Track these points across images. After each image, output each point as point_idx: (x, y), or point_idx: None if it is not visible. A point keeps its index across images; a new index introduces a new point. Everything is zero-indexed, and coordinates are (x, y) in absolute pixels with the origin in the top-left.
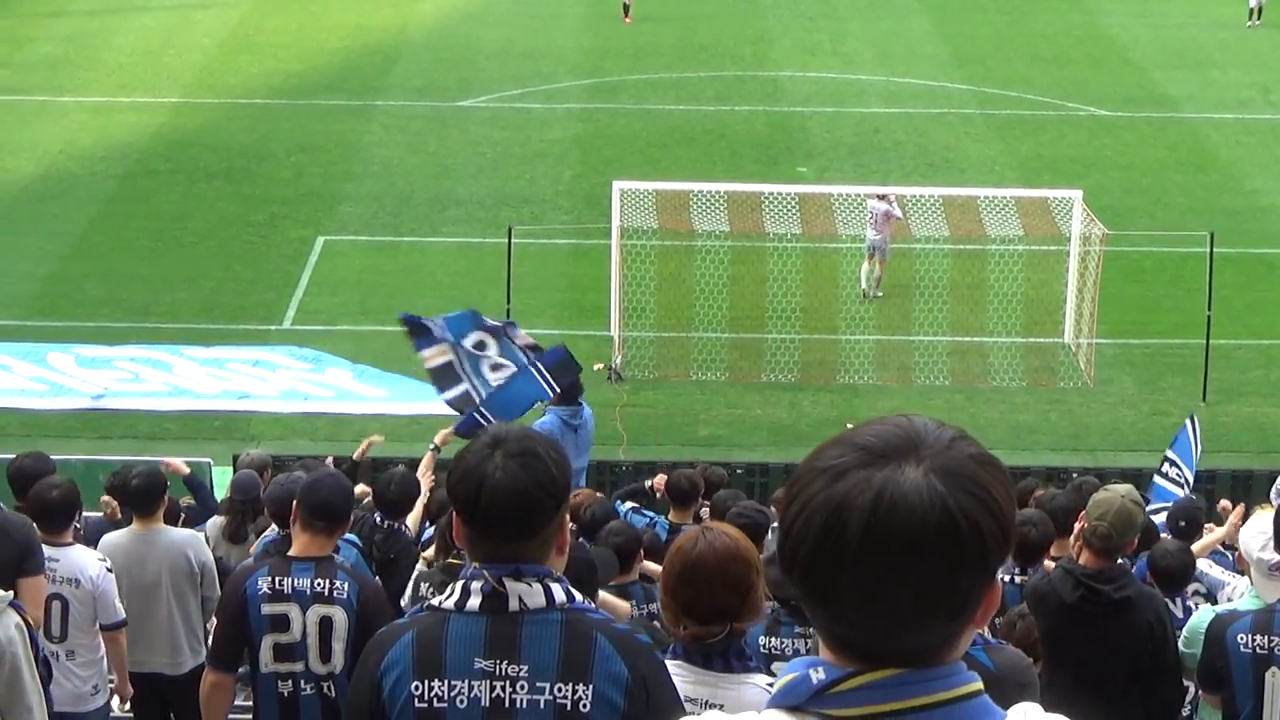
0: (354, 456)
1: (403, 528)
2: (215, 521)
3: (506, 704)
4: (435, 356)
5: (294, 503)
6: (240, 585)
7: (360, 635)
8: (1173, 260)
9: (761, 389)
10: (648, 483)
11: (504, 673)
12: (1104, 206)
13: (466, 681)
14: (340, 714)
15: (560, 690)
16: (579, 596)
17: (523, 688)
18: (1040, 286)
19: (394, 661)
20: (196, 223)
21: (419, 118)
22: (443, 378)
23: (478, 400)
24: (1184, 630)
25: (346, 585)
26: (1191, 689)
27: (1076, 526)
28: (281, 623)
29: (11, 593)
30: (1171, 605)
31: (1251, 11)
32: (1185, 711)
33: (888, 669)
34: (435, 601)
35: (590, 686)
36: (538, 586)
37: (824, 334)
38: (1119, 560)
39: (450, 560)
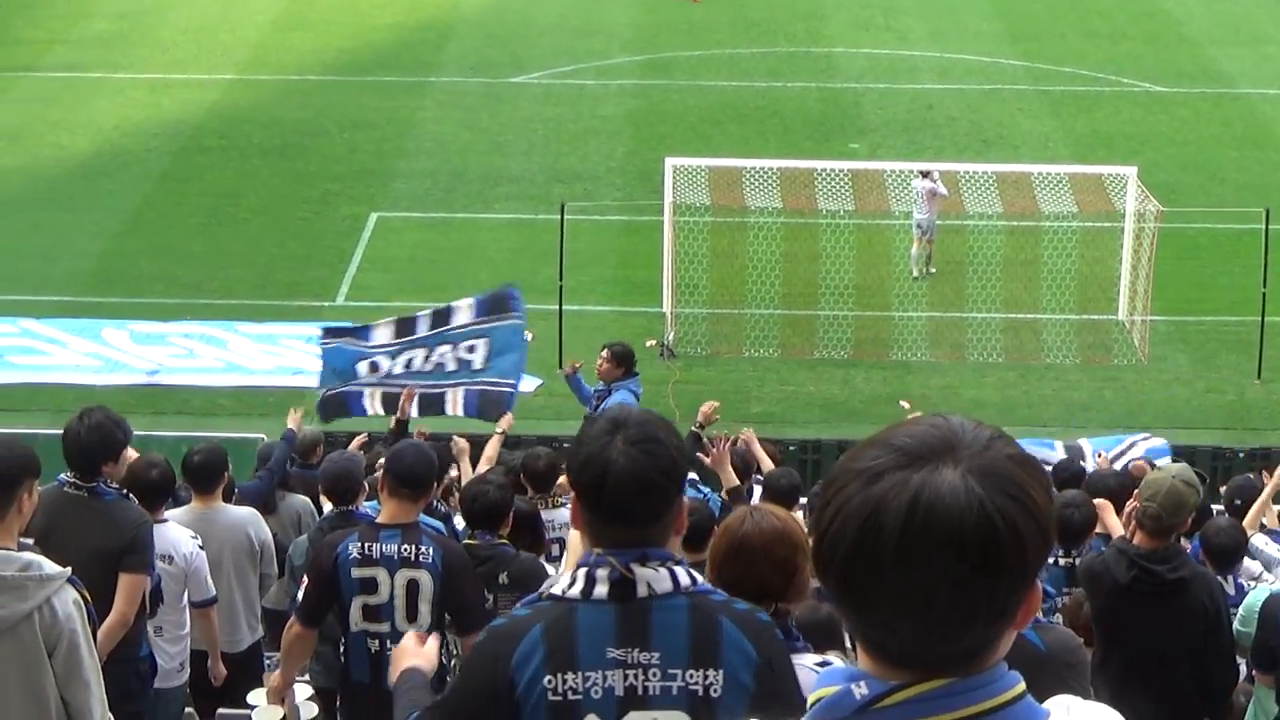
0: (397, 416)
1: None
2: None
3: (640, 692)
4: (373, 400)
5: (381, 472)
6: (332, 550)
7: (445, 596)
8: (1228, 237)
9: (814, 366)
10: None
11: (636, 661)
12: (1159, 183)
13: (600, 672)
14: None
15: (692, 676)
16: (700, 578)
17: (655, 675)
18: (1094, 263)
19: (526, 655)
20: (250, 199)
21: (472, 94)
22: (391, 405)
23: (442, 391)
24: (1239, 609)
25: (431, 550)
26: (1244, 668)
27: (1129, 506)
28: (370, 585)
29: (69, 569)
30: (1224, 583)
31: None
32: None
33: (932, 680)
34: (557, 590)
35: (720, 671)
36: (664, 571)
37: (877, 310)
38: (1173, 540)
39: (467, 541)
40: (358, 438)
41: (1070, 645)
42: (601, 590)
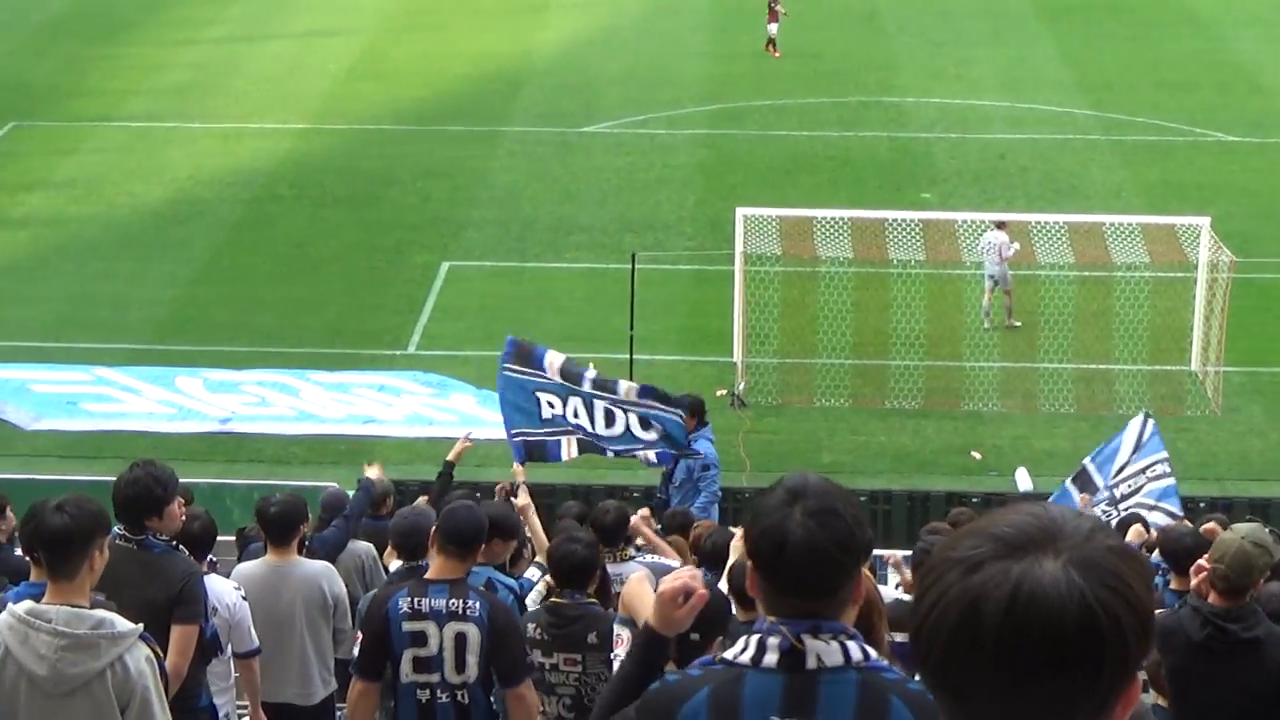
0: (449, 458)
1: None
2: None
3: None
4: (569, 448)
5: (432, 529)
6: (383, 605)
7: (492, 648)
8: None
9: (885, 415)
10: None
11: None
12: (1232, 233)
13: None
14: (470, 717)
15: None
16: (873, 654)
17: None
18: (1166, 314)
19: (691, 717)
20: (322, 248)
21: (543, 144)
22: (591, 450)
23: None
24: None
25: (478, 604)
26: None
27: (1203, 562)
28: (420, 639)
29: (142, 625)
30: None
31: None
32: None
33: None
34: (729, 655)
35: None
36: (835, 644)
37: (948, 360)
38: (1248, 600)
39: (554, 600)
40: (422, 498)
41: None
42: (771, 659)
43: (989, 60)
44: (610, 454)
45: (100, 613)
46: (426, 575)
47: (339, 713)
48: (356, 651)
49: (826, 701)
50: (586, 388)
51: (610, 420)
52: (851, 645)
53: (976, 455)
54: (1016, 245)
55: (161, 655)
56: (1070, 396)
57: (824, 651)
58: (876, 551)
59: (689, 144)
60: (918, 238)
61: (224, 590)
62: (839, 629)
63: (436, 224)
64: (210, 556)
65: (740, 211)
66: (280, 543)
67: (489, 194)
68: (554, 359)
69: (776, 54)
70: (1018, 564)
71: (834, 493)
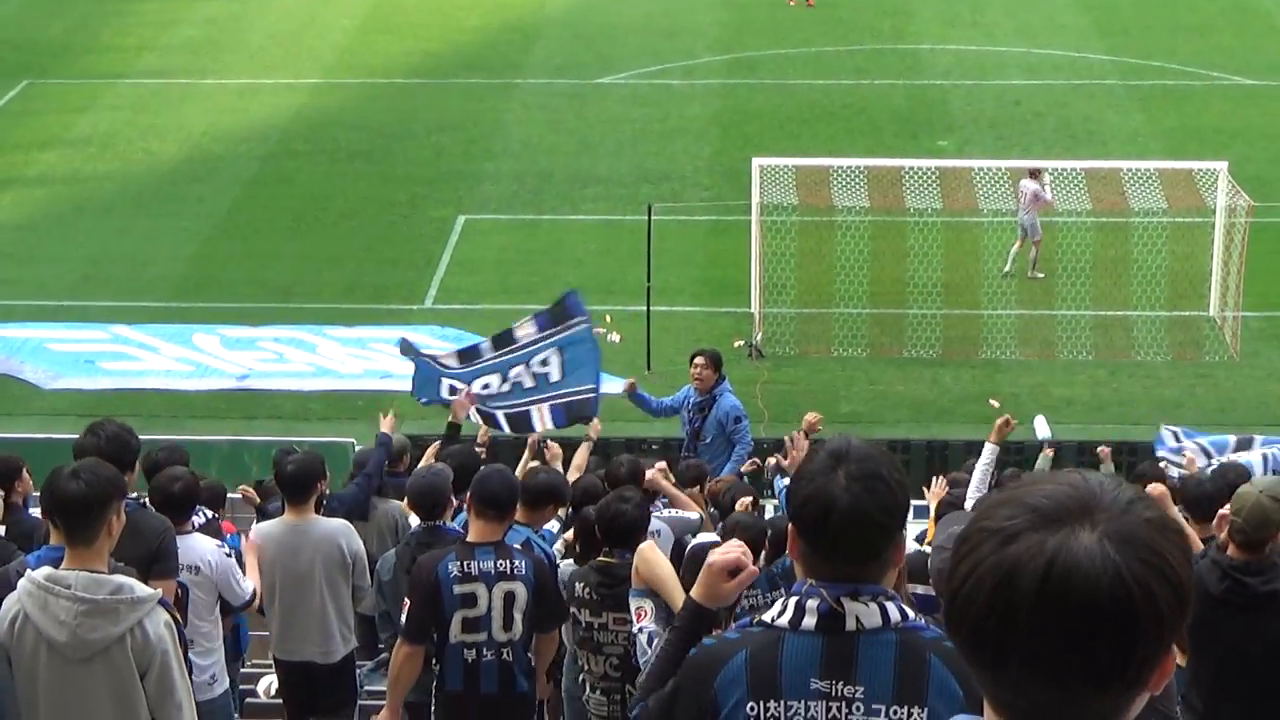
0: (450, 420)
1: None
2: None
3: None
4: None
5: (468, 494)
6: (432, 569)
7: (537, 604)
8: None
9: (903, 365)
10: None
11: (840, 693)
12: (1250, 177)
13: (803, 702)
14: (513, 674)
15: (896, 712)
16: (912, 614)
17: (859, 709)
18: (1184, 259)
19: (731, 680)
20: (338, 203)
21: (558, 95)
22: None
23: (526, 408)
24: None
25: (523, 563)
26: None
27: (1222, 514)
28: (470, 600)
29: (160, 590)
30: None
31: None
32: None
33: None
34: (768, 618)
35: (926, 709)
36: (874, 606)
37: (966, 309)
38: (1268, 553)
39: (603, 559)
40: (431, 447)
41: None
42: (810, 621)
43: (1003, 6)
44: (505, 429)
45: (119, 578)
46: (469, 539)
47: (359, 669)
48: (404, 616)
49: (866, 663)
50: (487, 356)
51: (503, 381)
52: (890, 606)
53: (994, 403)
54: (1049, 196)
55: (180, 621)
56: (1088, 343)
57: (863, 613)
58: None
59: (705, 94)
60: (934, 186)
61: (206, 548)
62: (878, 590)
63: (452, 178)
64: (196, 517)
65: (756, 161)
66: (298, 501)
67: (504, 147)
68: (449, 354)
69: (810, 2)
70: (1053, 536)
71: (877, 456)
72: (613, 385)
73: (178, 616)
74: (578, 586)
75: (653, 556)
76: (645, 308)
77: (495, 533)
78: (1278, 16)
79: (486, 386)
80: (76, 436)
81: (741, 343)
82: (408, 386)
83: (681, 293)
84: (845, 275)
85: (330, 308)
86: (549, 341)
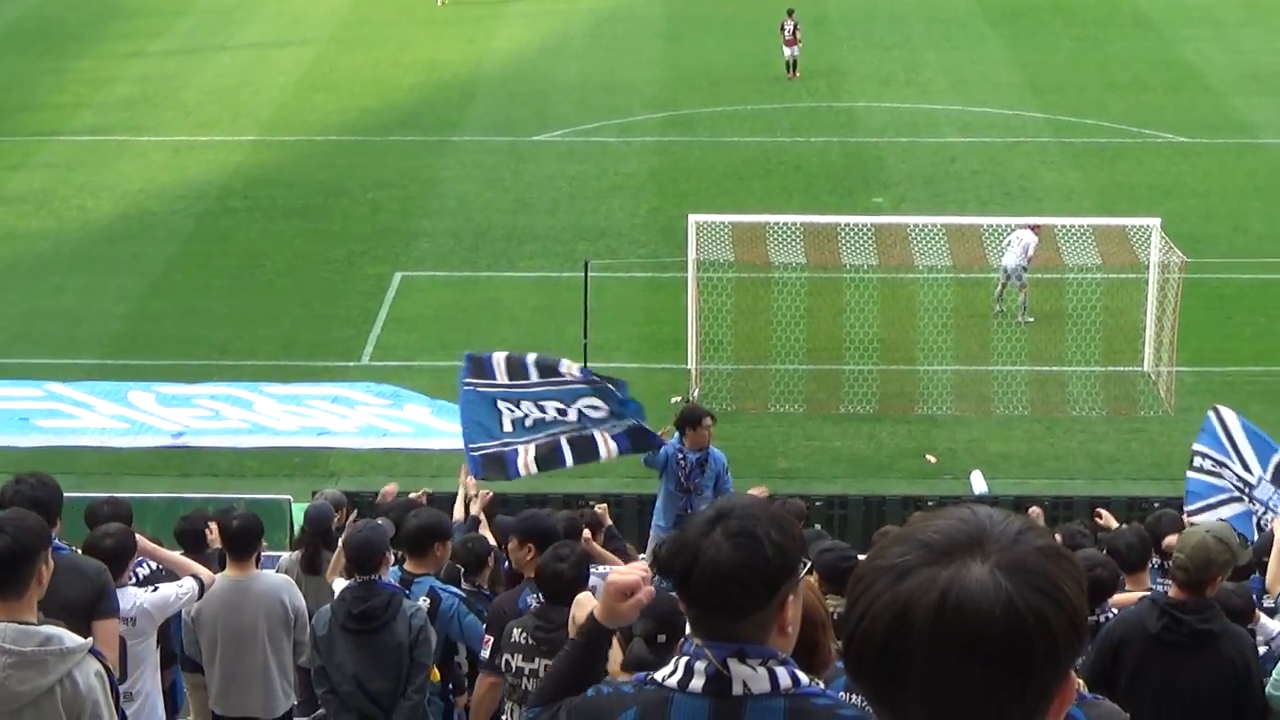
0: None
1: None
2: (290, 556)
3: None
4: (527, 461)
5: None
6: (514, 604)
7: None
8: (1253, 287)
9: (840, 420)
10: None
11: None
12: (1182, 234)
13: None
14: None
15: None
16: (805, 679)
17: None
18: (1119, 315)
19: None
20: (275, 260)
21: (495, 153)
22: (550, 461)
23: (591, 434)
24: (1275, 671)
25: None
26: None
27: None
28: None
29: (92, 639)
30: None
31: None
32: None
33: None
34: (659, 676)
35: None
36: (762, 670)
37: (902, 364)
38: (1206, 596)
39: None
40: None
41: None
42: (698, 683)
43: (938, 64)
44: (569, 460)
45: (48, 629)
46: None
47: None
48: (486, 652)
49: None
50: (534, 377)
51: (563, 411)
52: (780, 671)
53: (931, 459)
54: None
55: (112, 670)
56: (1024, 399)
57: (750, 678)
58: None
59: (641, 151)
60: (870, 242)
61: (137, 598)
62: (767, 654)
63: (388, 234)
64: (140, 568)
65: (693, 218)
66: (241, 557)
67: (441, 204)
68: (500, 360)
69: (797, 75)
70: (945, 570)
71: (760, 516)
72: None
73: (109, 666)
74: (515, 632)
75: (587, 603)
76: (583, 364)
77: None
78: (1209, 75)
79: (542, 415)
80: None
81: (679, 399)
82: (344, 444)
83: (619, 349)
84: (782, 331)
85: (267, 365)
86: (588, 388)
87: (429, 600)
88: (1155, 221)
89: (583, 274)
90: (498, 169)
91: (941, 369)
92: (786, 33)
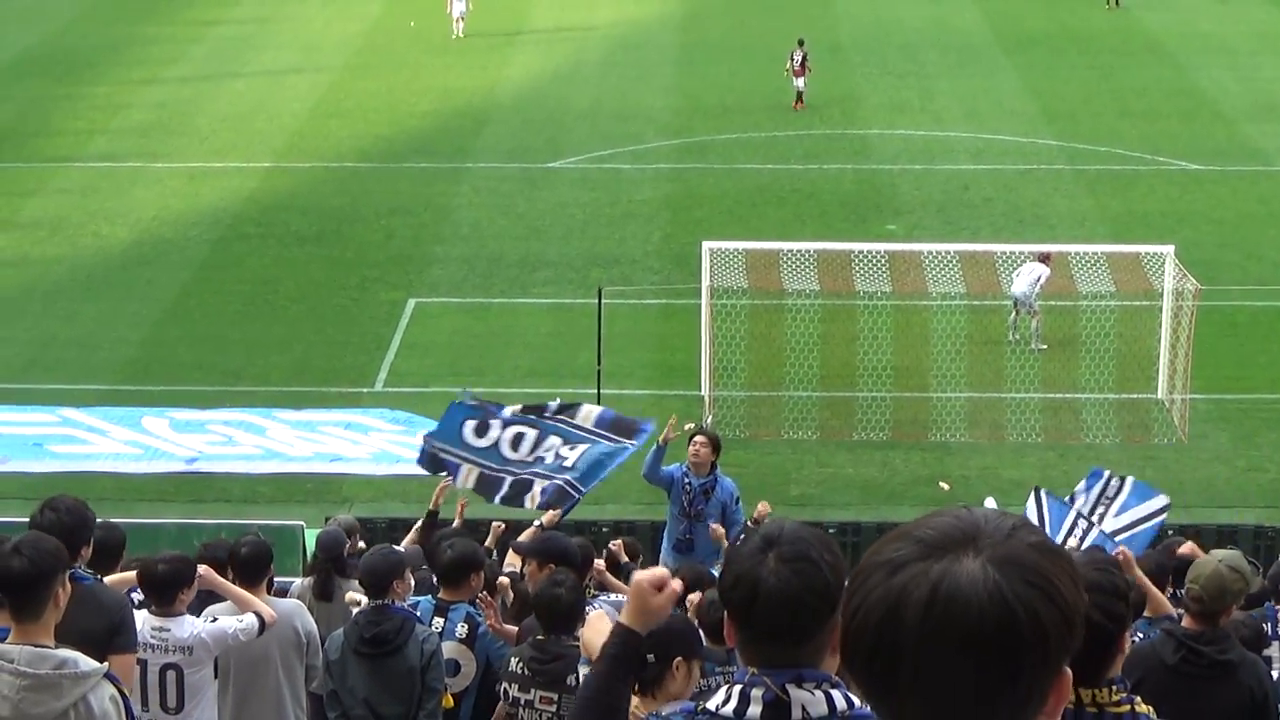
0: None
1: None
2: (303, 581)
3: None
4: (467, 478)
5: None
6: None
7: None
8: (1267, 314)
9: (853, 447)
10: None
11: None
12: (1196, 261)
13: None
14: None
15: None
16: (858, 702)
17: None
18: (1133, 342)
19: None
20: (288, 286)
21: (508, 179)
22: (486, 488)
23: (531, 479)
24: None
25: None
26: None
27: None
28: None
29: (107, 664)
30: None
31: None
32: None
33: None
34: (712, 705)
35: None
36: (820, 694)
37: (915, 392)
38: (1221, 625)
39: (539, 637)
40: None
41: None
42: (755, 710)
43: (952, 92)
44: (498, 498)
45: (64, 652)
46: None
47: None
48: None
49: None
50: (550, 410)
51: (538, 444)
52: (836, 694)
53: (945, 486)
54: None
55: (127, 694)
56: (1038, 426)
57: (809, 702)
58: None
59: (654, 178)
60: (884, 269)
61: (195, 624)
62: (822, 677)
63: (402, 261)
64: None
65: (706, 245)
66: (252, 583)
67: (454, 230)
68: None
69: (802, 106)
70: (938, 564)
71: (809, 539)
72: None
73: (125, 690)
74: (512, 661)
75: (598, 624)
76: (596, 391)
77: None
78: (1222, 103)
79: (518, 441)
80: (25, 519)
81: (691, 426)
82: (357, 470)
83: (632, 376)
84: (795, 358)
85: (280, 391)
86: (592, 436)
87: (466, 626)
88: (1169, 249)
89: (596, 300)
90: (511, 196)
91: (955, 396)
92: (795, 63)
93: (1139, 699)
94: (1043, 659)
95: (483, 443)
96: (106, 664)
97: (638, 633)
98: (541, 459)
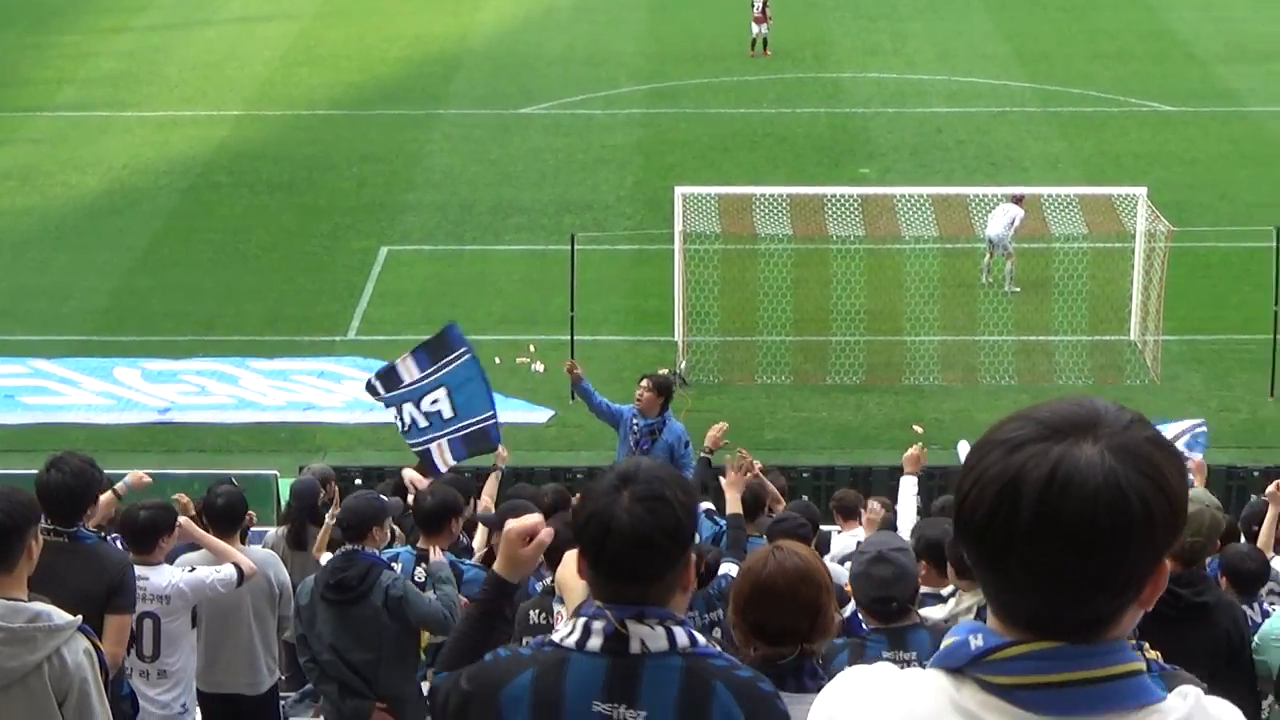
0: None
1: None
2: (277, 530)
3: None
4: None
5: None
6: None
7: None
8: (1239, 255)
9: (826, 392)
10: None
11: (621, 717)
12: (1168, 202)
13: None
14: None
15: None
16: (702, 640)
17: None
18: (1105, 284)
19: (515, 698)
20: (260, 235)
21: (481, 126)
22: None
23: (445, 430)
24: (1256, 636)
25: None
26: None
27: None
28: None
29: (79, 617)
30: (1249, 610)
31: None
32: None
33: (1047, 641)
34: (556, 637)
35: None
36: (660, 629)
37: (888, 335)
38: (1196, 566)
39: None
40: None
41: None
42: (595, 642)
43: (925, 34)
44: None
45: (37, 605)
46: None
47: (283, 701)
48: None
49: (649, 687)
50: (383, 392)
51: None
52: (678, 631)
53: (919, 429)
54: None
55: (100, 648)
56: (1011, 368)
57: (648, 636)
58: (823, 527)
59: (626, 124)
60: (857, 213)
61: (172, 576)
62: (665, 614)
63: (374, 209)
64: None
65: (679, 190)
66: (227, 533)
67: (426, 177)
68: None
69: (767, 54)
70: (1057, 446)
71: (665, 478)
72: (537, 415)
73: (98, 643)
74: (532, 614)
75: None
76: (569, 337)
77: None
78: (1194, 44)
79: (402, 425)
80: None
81: (665, 371)
82: (330, 418)
83: (605, 322)
84: (768, 303)
85: (253, 340)
86: (433, 380)
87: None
88: (1141, 190)
89: (569, 247)
90: (483, 142)
91: (928, 339)
92: (756, 9)
93: (1147, 644)
94: (1148, 546)
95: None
96: (79, 618)
97: (509, 581)
98: (416, 425)
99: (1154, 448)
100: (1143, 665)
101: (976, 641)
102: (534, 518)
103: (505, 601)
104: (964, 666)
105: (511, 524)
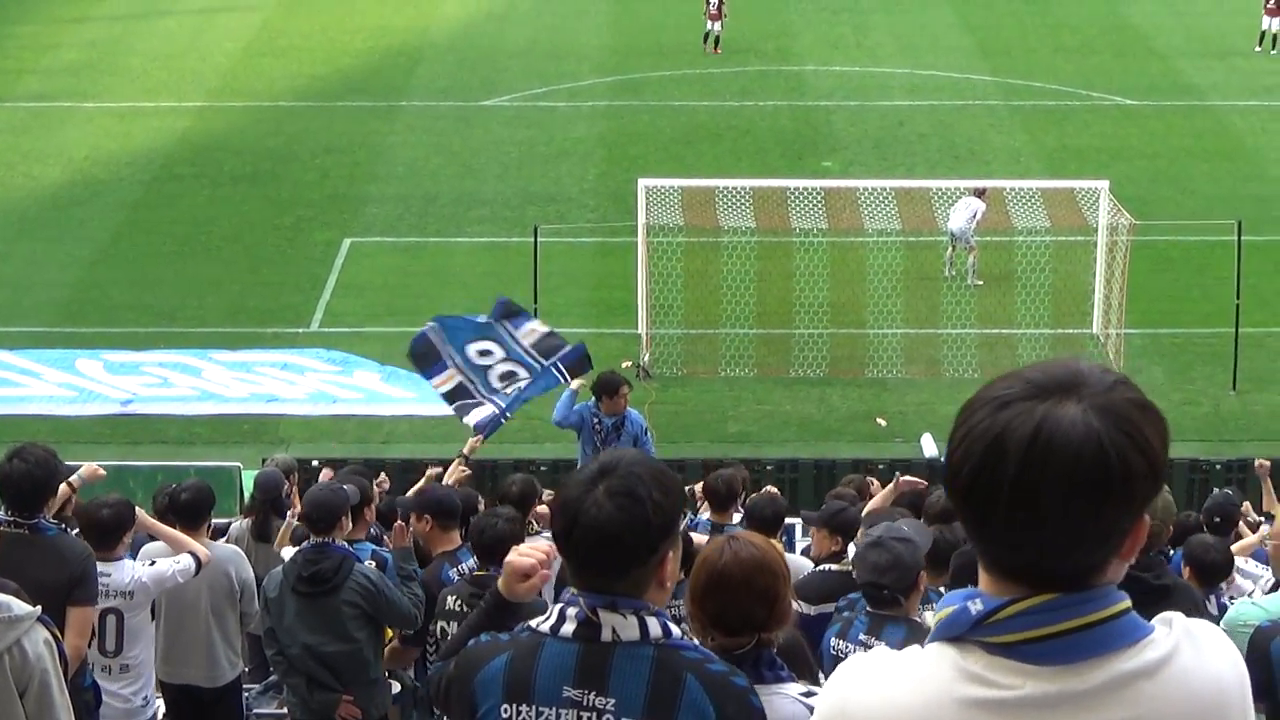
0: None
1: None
2: (241, 523)
3: None
4: (445, 382)
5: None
6: (435, 577)
7: None
8: (1200, 249)
9: (790, 384)
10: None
11: (591, 703)
12: (1130, 196)
13: (554, 709)
14: None
15: None
16: (677, 631)
17: None
18: (1068, 277)
19: (488, 681)
20: (222, 226)
21: (443, 118)
22: (458, 398)
23: (497, 412)
24: (1223, 623)
25: None
26: None
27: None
28: None
29: (39, 608)
30: (1207, 602)
31: (1262, 36)
32: None
33: (1041, 595)
34: (534, 623)
35: None
36: (633, 619)
37: (852, 328)
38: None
39: (477, 572)
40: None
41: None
42: (568, 628)
43: (887, 27)
44: (468, 419)
45: None
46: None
47: (247, 693)
48: None
49: (619, 675)
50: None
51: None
52: (651, 621)
53: (881, 422)
54: (980, 215)
55: (60, 638)
56: (974, 361)
57: (620, 625)
58: (788, 520)
59: (589, 116)
60: (820, 206)
61: (134, 571)
62: (639, 605)
63: (337, 200)
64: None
65: (642, 183)
66: (192, 528)
67: (389, 169)
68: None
69: (718, 51)
70: (1042, 404)
71: (643, 474)
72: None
73: (58, 634)
74: (450, 600)
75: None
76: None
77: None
78: (1155, 39)
79: (487, 354)
80: None
81: (629, 364)
82: (293, 410)
83: (568, 314)
84: (732, 296)
85: (215, 331)
86: (534, 361)
87: (373, 563)
88: (1103, 184)
89: (532, 239)
90: (446, 134)
91: (891, 332)
92: (710, 6)
93: None
94: (1126, 501)
95: (481, 361)
96: (39, 608)
97: (509, 601)
98: (490, 381)
99: (1135, 408)
100: (1129, 604)
101: (976, 606)
102: (536, 556)
103: (505, 616)
104: (966, 634)
105: (512, 559)
